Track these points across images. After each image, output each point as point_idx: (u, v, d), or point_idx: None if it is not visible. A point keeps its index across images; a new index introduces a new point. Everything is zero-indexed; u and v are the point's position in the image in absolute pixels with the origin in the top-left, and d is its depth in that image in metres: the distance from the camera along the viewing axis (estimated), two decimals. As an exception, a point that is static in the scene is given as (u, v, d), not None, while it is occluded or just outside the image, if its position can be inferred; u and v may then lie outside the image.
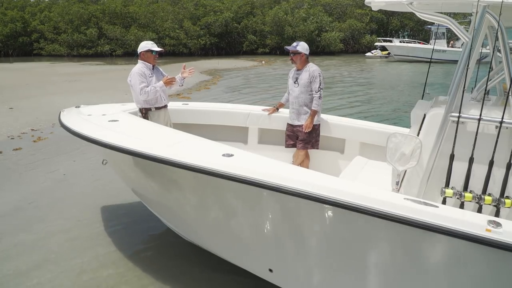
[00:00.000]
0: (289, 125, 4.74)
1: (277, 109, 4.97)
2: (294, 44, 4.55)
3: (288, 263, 2.88)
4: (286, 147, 4.81)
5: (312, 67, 4.52)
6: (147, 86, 4.34)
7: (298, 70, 4.58)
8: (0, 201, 5.23)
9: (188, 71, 4.65)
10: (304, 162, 4.68)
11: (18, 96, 13.88)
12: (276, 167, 2.68)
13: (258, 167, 2.62)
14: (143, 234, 4.43)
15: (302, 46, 4.50)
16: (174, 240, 4.14)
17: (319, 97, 4.45)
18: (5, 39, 40.57)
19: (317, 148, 4.67)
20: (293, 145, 4.74)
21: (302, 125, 4.56)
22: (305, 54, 4.49)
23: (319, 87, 4.44)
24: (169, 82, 4.46)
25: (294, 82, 4.57)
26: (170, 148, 2.96)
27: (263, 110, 5.04)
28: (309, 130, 4.50)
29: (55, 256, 3.96)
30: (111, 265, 3.81)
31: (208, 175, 2.63)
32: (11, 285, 3.52)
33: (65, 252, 4.03)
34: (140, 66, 4.44)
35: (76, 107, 4.43)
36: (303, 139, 4.59)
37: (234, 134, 5.11)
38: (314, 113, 4.49)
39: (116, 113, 4.10)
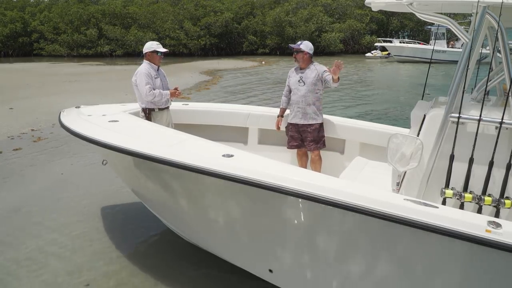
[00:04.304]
0: (292, 125, 4.64)
1: (282, 116, 4.80)
2: (298, 42, 4.55)
3: (288, 263, 2.88)
4: (289, 148, 4.73)
5: (318, 66, 4.53)
6: (152, 87, 4.39)
7: (301, 69, 4.56)
8: None
9: (177, 93, 4.66)
10: (318, 164, 4.62)
11: (18, 96, 13.88)
12: (276, 167, 2.68)
13: (258, 168, 2.62)
14: (142, 234, 4.42)
15: (305, 45, 4.49)
16: (174, 240, 4.14)
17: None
18: (5, 40, 40.59)
19: (325, 146, 4.63)
20: (297, 146, 4.69)
21: (308, 124, 4.52)
22: (308, 53, 4.48)
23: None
24: (175, 95, 4.60)
25: (299, 81, 4.52)
26: (170, 148, 2.96)
27: (276, 129, 4.80)
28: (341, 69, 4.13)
29: (54, 255, 3.95)
30: (110, 265, 3.80)
31: (208, 175, 2.63)
32: (11, 285, 3.53)
33: (64, 251, 4.02)
34: (146, 67, 4.48)
35: (76, 107, 4.43)
36: (313, 140, 4.55)
37: (234, 134, 5.11)
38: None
39: (116, 114, 4.10)
